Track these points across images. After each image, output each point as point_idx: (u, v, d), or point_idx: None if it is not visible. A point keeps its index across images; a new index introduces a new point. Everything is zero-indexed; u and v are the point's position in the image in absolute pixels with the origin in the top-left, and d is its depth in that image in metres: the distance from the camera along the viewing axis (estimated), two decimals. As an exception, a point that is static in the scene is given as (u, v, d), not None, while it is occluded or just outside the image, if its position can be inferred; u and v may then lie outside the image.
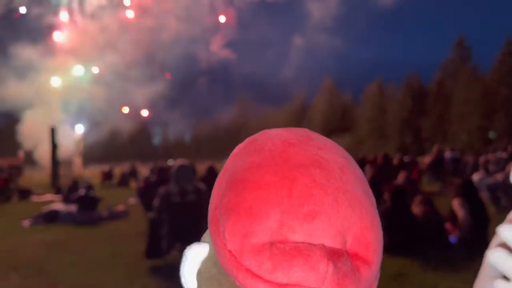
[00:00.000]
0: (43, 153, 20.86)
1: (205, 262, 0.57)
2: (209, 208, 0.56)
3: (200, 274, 0.57)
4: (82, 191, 9.75)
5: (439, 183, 11.83)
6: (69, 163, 19.73)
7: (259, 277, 0.48)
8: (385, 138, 45.92)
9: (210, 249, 0.57)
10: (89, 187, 10.13)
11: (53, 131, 17.32)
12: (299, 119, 53.49)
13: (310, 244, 0.48)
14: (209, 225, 0.56)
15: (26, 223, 8.72)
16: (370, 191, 0.55)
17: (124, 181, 17.61)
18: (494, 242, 0.96)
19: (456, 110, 40.18)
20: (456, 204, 5.55)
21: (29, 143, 22.50)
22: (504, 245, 0.58)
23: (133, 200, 11.10)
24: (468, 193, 5.63)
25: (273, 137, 0.57)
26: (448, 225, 5.69)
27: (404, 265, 4.97)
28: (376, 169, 10.52)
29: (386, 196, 5.94)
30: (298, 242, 0.48)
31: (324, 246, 0.48)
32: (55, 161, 17.15)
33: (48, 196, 13.59)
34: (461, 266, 4.87)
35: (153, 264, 5.24)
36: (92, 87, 24.12)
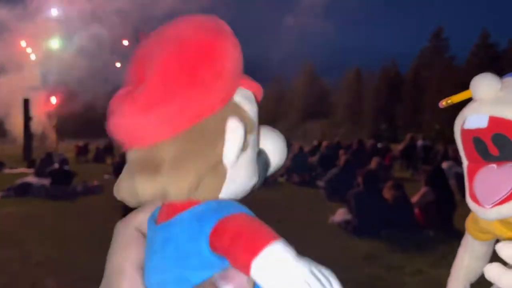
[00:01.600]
0: (15, 124, 20.23)
1: None
2: None
3: None
4: (56, 165, 9.62)
5: (410, 170, 12.20)
6: (43, 136, 19.30)
7: None
8: (360, 124, 46.62)
9: None
10: (64, 161, 9.99)
11: (26, 102, 16.85)
12: (278, 101, 53.58)
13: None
14: None
15: (-3, 195, 8.58)
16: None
17: (99, 157, 17.37)
18: (461, 250, 1.01)
19: (430, 100, 41.07)
20: (425, 190, 5.78)
21: (0, 111, 21.68)
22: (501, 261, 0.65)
23: (108, 176, 11.02)
24: (437, 180, 5.86)
25: None
26: (416, 210, 5.93)
27: (374, 247, 5.18)
28: (350, 154, 10.76)
29: (359, 180, 6.13)
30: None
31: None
32: (28, 134, 16.74)
33: (21, 169, 13.32)
34: (427, 248, 5.11)
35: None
36: (74, 57, 23.25)
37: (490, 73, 0.84)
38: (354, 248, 5.14)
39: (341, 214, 6.15)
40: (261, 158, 0.65)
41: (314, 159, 11.95)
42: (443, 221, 5.61)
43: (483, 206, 0.85)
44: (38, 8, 23.51)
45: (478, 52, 39.92)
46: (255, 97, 0.63)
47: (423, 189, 5.85)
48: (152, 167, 0.55)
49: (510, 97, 0.82)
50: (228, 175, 0.58)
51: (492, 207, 0.83)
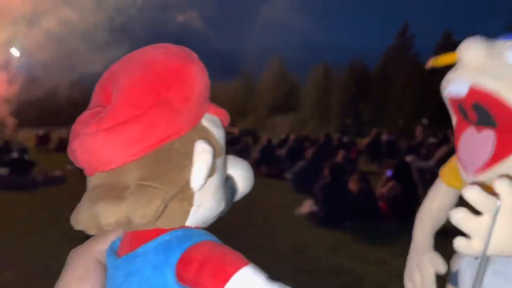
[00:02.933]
0: None
1: None
2: None
3: None
4: (14, 154, 9.24)
5: (375, 164, 12.49)
6: (0, 124, 18.47)
7: None
8: (327, 119, 47.28)
9: None
10: (23, 150, 9.61)
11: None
12: (247, 95, 53.53)
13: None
14: None
15: (-49, 185, 8.15)
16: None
17: (62, 147, 16.81)
18: (429, 194, 1.08)
19: (395, 96, 42.10)
20: (390, 183, 5.92)
21: None
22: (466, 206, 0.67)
23: (71, 167, 10.68)
24: (402, 173, 6.02)
25: None
26: (381, 202, 6.07)
27: (339, 238, 5.27)
28: (317, 147, 10.91)
29: (326, 172, 6.21)
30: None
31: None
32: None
33: (-24, 158, 12.72)
34: (390, 239, 5.25)
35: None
36: (39, 41, 22.03)
37: (480, 37, 0.85)
38: (319, 239, 5.22)
39: (307, 206, 6.22)
40: (229, 183, 0.64)
41: (282, 152, 12.03)
42: (406, 213, 5.77)
43: (466, 172, 0.88)
44: None
45: (441, 51, 41.13)
46: (222, 122, 0.62)
47: (391, 183, 6.00)
48: (116, 192, 0.53)
49: (493, 67, 0.83)
50: (195, 200, 0.56)
51: (474, 174, 0.86)
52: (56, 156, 14.86)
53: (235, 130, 19.25)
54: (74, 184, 8.52)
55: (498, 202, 0.62)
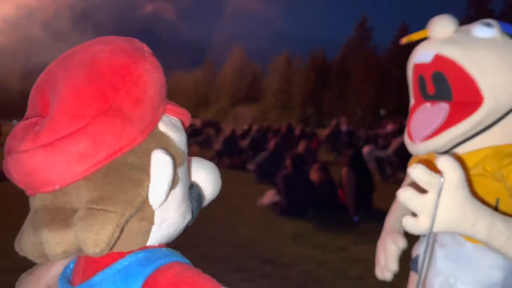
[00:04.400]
0: None
1: None
2: None
3: None
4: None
5: (335, 153, 12.75)
6: None
7: None
8: (289, 109, 47.72)
9: None
10: (-28, 144, 9.12)
11: None
12: (208, 85, 53.05)
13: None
14: None
15: None
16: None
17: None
18: (404, 183, 1.13)
19: (354, 87, 43.05)
20: (345, 172, 6.05)
21: None
22: (412, 185, 0.68)
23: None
24: (357, 162, 6.16)
25: None
26: (340, 191, 6.21)
27: (301, 227, 5.35)
28: (279, 138, 11.00)
29: (288, 162, 6.28)
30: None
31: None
32: None
33: None
34: (350, 227, 5.39)
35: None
36: None
37: (449, 14, 0.89)
38: (282, 228, 5.28)
39: (270, 196, 6.27)
40: (194, 192, 0.57)
41: (244, 142, 12.05)
42: (362, 201, 5.93)
43: (414, 142, 0.91)
44: None
45: (397, 43, 42.37)
46: (183, 123, 0.55)
47: (344, 171, 6.13)
48: (62, 217, 0.45)
49: (460, 38, 0.87)
50: (156, 218, 0.49)
51: (420, 142, 0.89)
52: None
53: (197, 122, 19.05)
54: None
55: (442, 179, 0.64)
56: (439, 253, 0.95)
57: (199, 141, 14.25)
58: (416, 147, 0.90)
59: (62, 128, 0.45)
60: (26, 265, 0.56)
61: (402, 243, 1.03)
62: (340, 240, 4.78)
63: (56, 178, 0.46)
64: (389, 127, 13.93)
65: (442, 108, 0.87)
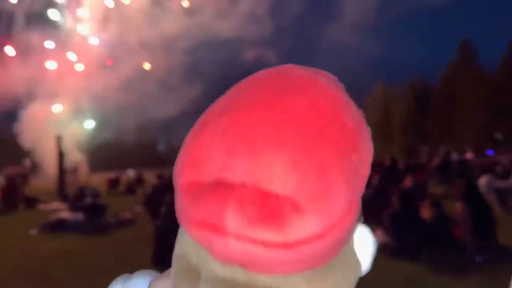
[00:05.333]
0: (47, 159, 20.63)
1: None
2: None
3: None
4: (88, 199, 9.76)
5: (446, 186, 11.76)
6: (75, 170, 19.71)
7: (182, 218, 0.48)
8: (390, 141, 45.78)
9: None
10: (96, 195, 10.14)
11: (59, 140, 17.41)
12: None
13: (228, 184, 0.42)
14: None
15: (34, 231, 8.74)
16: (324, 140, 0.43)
17: (130, 189, 17.63)
18: None
19: (462, 111, 39.98)
20: (459, 207, 5.49)
21: (28, 142, 21.71)
22: None
23: (139, 208, 11.09)
24: (472, 195, 5.56)
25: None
26: (457, 229, 5.64)
27: (415, 269, 4.92)
28: (383, 172, 10.48)
29: (394, 199, 5.90)
30: (218, 182, 0.43)
31: (243, 184, 0.41)
32: (61, 169, 17.21)
33: (55, 204, 13.63)
34: (472, 269, 4.81)
35: (159, 271, 5.22)
36: (112, 86, 22.74)
37: None
38: (393, 272, 4.90)
39: (377, 236, 5.92)
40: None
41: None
42: (483, 238, 5.30)
43: None
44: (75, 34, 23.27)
45: (508, 60, 38.85)
46: None
47: (458, 205, 5.58)
48: None
49: None
50: None
51: None
52: (125, 198, 15.58)
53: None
54: (142, 225, 8.80)
55: None
56: None
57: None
58: None
59: (313, 228, 0.40)
60: None
61: None
62: (462, 284, 4.28)
63: (280, 270, 0.43)
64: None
65: None
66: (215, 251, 0.43)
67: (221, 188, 0.43)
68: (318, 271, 0.45)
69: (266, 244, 0.40)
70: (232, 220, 0.41)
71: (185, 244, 0.51)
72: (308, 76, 0.48)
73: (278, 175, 0.41)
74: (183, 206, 0.47)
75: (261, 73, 0.51)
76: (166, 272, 0.59)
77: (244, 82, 0.50)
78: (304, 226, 0.40)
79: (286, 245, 0.40)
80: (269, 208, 0.40)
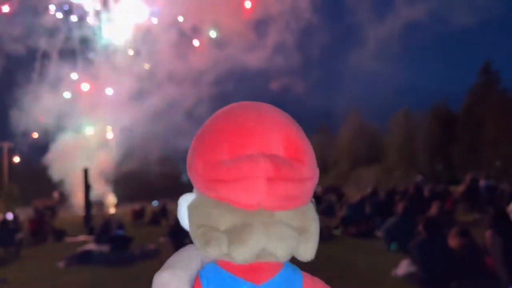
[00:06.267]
0: (74, 192, 20.94)
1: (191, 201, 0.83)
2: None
3: (189, 207, 0.83)
4: (114, 231, 9.89)
5: (475, 213, 11.42)
6: (101, 202, 20.01)
7: (219, 180, 0.77)
8: (415, 167, 44.91)
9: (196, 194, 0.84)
10: (121, 226, 10.28)
11: (86, 172, 17.80)
12: (325, 150, 53.08)
13: (253, 154, 0.77)
14: (187, 169, 0.84)
15: (61, 264, 8.87)
16: (297, 124, 0.86)
17: (155, 220, 17.73)
18: None
19: (488, 136, 39.10)
20: (489, 236, 5.34)
21: (57, 174, 21.86)
22: None
23: (163, 239, 11.15)
24: (502, 222, 5.40)
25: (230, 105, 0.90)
26: (488, 258, 5.46)
27: (444, 301, 4.77)
28: (407, 199, 10.28)
29: (420, 228, 5.79)
30: (244, 155, 0.77)
31: (263, 153, 0.77)
32: (88, 202, 17.52)
33: (82, 237, 13.83)
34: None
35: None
36: (140, 117, 23.27)
37: None
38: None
39: (404, 266, 5.79)
40: None
41: (368, 207, 11.51)
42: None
43: None
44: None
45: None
46: None
47: (488, 233, 5.42)
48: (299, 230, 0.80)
49: None
50: None
51: None
52: (150, 229, 15.67)
53: (318, 189, 18.90)
54: (167, 256, 8.81)
55: None
56: None
57: (321, 209, 14.02)
58: None
59: (309, 171, 0.82)
60: None
61: None
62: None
63: (295, 204, 0.81)
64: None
65: None
66: (255, 192, 0.76)
67: (247, 157, 0.76)
68: (304, 208, 0.82)
69: (289, 180, 0.77)
70: (266, 169, 0.76)
71: (209, 213, 0.79)
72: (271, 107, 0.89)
73: (286, 145, 0.81)
74: (222, 171, 0.76)
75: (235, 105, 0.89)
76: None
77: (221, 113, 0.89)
78: (306, 170, 0.81)
79: (301, 180, 0.79)
80: (286, 161, 0.78)
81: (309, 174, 0.80)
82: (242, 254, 0.76)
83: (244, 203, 0.76)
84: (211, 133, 0.83)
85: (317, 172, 0.84)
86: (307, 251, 0.80)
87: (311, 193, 0.83)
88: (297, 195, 0.79)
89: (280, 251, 0.78)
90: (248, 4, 24.59)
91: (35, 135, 22.07)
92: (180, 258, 0.85)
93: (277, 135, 0.80)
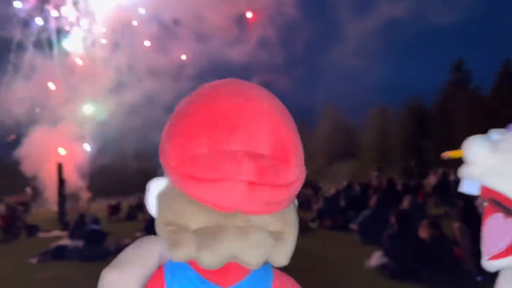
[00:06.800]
0: (47, 186, 20.43)
1: (162, 189, 0.78)
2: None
3: (159, 197, 0.77)
4: (88, 226, 9.76)
5: (445, 206, 11.77)
6: (75, 197, 19.64)
7: (194, 178, 0.69)
8: (388, 162, 45.75)
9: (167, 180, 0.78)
10: (96, 221, 10.13)
11: (60, 167, 17.43)
12: (302, 145, 53.33)
13: (235, 150, 0.69)
14: (159, 156, 0.78)
15: (34, 260, 8.70)
16: (287, 113, 0.80)
17: (132, 215, 17.52)
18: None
19: (459, 132, 40.18)
20: (457, 227, 5.54)
21: (30, 169, 21.34)
22: None
23: (140, 234, 11.06)
24: (471, 216, 5.61)
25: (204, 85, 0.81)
26: (457, 249, 5.67)
27: (414, 291, 4.93)
28: (381, 194, 10.52)
29: (392, 221, 5.95)
30: (225, 151, 0.69)
31: (246, 151, 0.69)
32: (61, 197, 17.17)
33: (55, 232, 13.56)
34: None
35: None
36: (118, 111, 22.57)
37: (481, 135, 0.84)
38: (394, 293, 4.92)
39: (377, 258, 5.94)
40: None
41: (342, 201, 11.71)
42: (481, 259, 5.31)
43: (484, 256, 0.84)
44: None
45: (501, 81, 39.35)
46: None
47: (456, 225, 5.62)
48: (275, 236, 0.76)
49: (499, 165, 0.80)
50: None
51: (488, 259, 0.81)
52: (126, 225, 15.47)
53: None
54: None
55: None
56: None
57: (298, 203, 14.15)
58: (484, 262, 0.84)
59: (295, 174, 0.75)
60: None
61: None
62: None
63: (278, 208, 0.74)
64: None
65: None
66: (233, 196, 0.69)
67: (229, 154, 0.69)
68: (285, 211, 0.76)
69: (273, 186, 0.70)
70: (247, 173, 0.68)
71: (180, 210, 0.73)
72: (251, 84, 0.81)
73: (267, 142, 0.73)
74: (198, 169, 0.69)
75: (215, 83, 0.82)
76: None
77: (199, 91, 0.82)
78: (292, 173, 0.74)
79: (286, 185, 0.72)
80: (272, 163, 0.71)
81: (295, 177, 0.74)
82: (211, 260, 0.71)
83: (220, 206, 0.70)
84: (189, 119, 0.74)
85: (303, 171, 0.77)
86: (282, 258, 0.75)
87: (295, 195, 0.77)
88: (280, 201, 0.73)
89: (253, 259, 0.72)
90: None
91: (13, 136, 21.37)
92: (132, 256, 0.78)
93: (264, 131, 0.72)
